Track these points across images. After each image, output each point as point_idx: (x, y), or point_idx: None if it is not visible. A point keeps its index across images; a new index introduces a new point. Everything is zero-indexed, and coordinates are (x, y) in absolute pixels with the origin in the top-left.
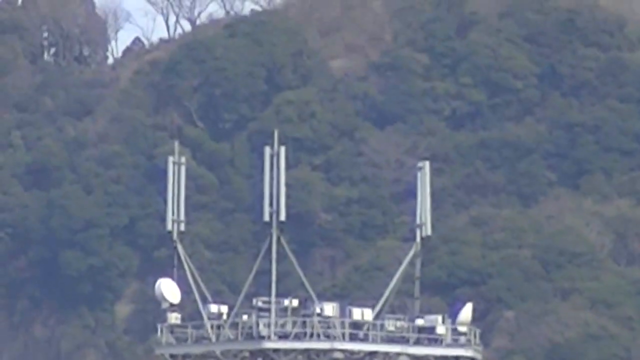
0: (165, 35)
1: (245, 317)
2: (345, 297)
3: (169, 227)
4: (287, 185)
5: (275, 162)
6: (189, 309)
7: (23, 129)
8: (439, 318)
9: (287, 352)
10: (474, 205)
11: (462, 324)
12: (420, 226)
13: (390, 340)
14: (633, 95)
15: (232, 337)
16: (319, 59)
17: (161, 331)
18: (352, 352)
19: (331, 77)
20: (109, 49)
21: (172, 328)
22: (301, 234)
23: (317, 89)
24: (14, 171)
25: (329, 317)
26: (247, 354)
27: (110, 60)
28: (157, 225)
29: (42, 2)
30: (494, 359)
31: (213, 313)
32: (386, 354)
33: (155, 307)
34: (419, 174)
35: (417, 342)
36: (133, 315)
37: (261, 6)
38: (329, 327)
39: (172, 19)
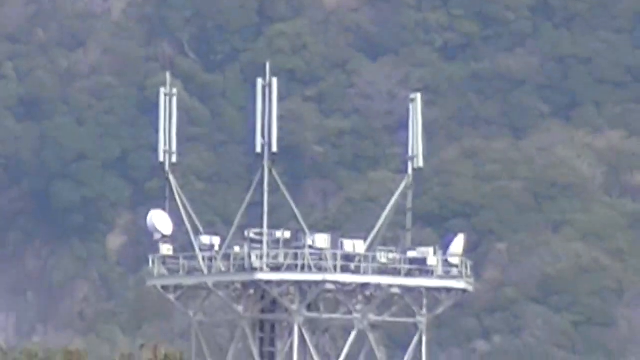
0: None
1: (237, 248)
2: (337, 229)
3: (161, 158)
4: (279, 116)
5: (268, 93)
6: (181, 240)
7: (15, 61)
8: (431, 250)
9: (279, 283)
10: (466, 137)
11: (453, 255)
12: (412, 158)
13: (382, 272)
14: (625, 27)
15: (224, 268)
16: None
17: (153, 263)
18: (343, 284)
19: (323, 8)
20: None
21: (163, 259)
22: (293, 166)
23: (310, 21)
24: (6, 103)
25: (320, 249)
26: (239, 286)
27: None
28: (149, 156)
29: None
30: (485, 291)
31: (205, 244)
32: (378, 285)
33: (147, 239)
34: (411, 106)
35: (409, 274)
36: (125, 246)
37: None
38: (320, 259)
39: None
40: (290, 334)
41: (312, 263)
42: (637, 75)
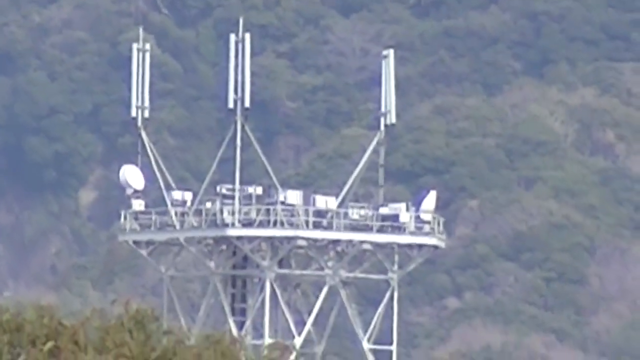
0: None
1: (209, 204)
2: (309, 185)
3: (133, 113)
4: (252, 72)
5: (240, 49)
6: (153, 195)
7: None
8: (403, 206)
9: (250, 239)
10: (438, 94)
11: (425, 212)
12: (384, 114)
13: (354, 228)
14: None
15: (195, 224)
16: None
17: (125, 218)
18: (315, 240)
19: None
20: None
21: (135, 215)
22: (266, 122)
23: None
24: None
25: (292, 205)
26: (210, 241)
27: None
28: (121, 112)
29: None
30: (457, 248)
31: (177, 200)
32: (349, 241)
33: (119, 194)
34: (383, 62)
35: (381, 230)
36: (97, 201)
37: None
38: (292, 215)
39: None
40: (262, 289)
41: (284, 219)
42: (609, 33)
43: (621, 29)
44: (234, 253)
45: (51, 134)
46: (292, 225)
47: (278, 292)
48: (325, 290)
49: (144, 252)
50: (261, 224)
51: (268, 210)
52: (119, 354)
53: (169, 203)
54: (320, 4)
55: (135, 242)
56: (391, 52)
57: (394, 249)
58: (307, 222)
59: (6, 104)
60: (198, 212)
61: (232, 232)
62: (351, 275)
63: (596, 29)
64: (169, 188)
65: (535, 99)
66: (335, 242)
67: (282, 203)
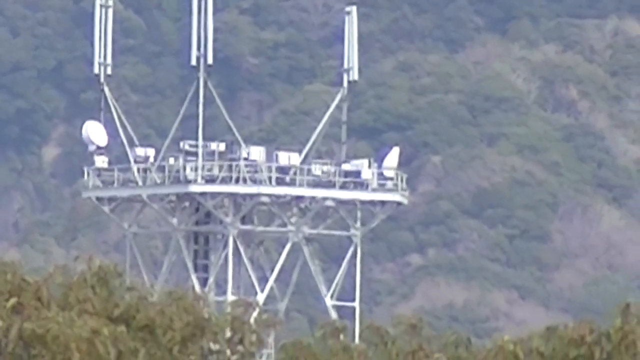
0: None
1: (172, 160)
2: (272, 142)
3: (96, 70)
4: (215, 29)
5: (203, 5)
6: (116, 152)
7: None
8: (365, 163)
9: (213, 195)
10: (401, 51)
11: (388, 169)
12: (347, 70)
13: (317, 184)
14: None
15: (158, 180)
16: None
17: (88, 174)
18: (278, 197)
19: None
20: None
21: (98, 171)
22: (228, 78)
23: None
24: None
25: (255, 161)
26: (173, 198)
27: None
28: (84, 68)
29: None
30: (420, 204)
31: (140, 156)
32: (312, 198)
33: (82, 150)
34: (346, 19)
35: (343, 187)
36: (60, 158)
37: None
38: (255, 172)
39: None
40: (225, 246)
41: (247, 175)
42: None
43: None
44: (197, 209)
45: (14, 90)
46: (255, 181)
47: (241, 248)
48: (288, 246)
49: (106, 208)
50: (224, 180)
51: (231, 166)
52: (82, 310)
53: (131, 160)
54: None
55: (98, 199)
56: (354, 8)
57: (357, 205)
58: (270, 179)
59: None
60: (161, 169)
61: (194, 188)
62: (314, 231)
63: None
64: (131, 145)
65: (498, 55)
66: (298, 198)
67: (245, 159)
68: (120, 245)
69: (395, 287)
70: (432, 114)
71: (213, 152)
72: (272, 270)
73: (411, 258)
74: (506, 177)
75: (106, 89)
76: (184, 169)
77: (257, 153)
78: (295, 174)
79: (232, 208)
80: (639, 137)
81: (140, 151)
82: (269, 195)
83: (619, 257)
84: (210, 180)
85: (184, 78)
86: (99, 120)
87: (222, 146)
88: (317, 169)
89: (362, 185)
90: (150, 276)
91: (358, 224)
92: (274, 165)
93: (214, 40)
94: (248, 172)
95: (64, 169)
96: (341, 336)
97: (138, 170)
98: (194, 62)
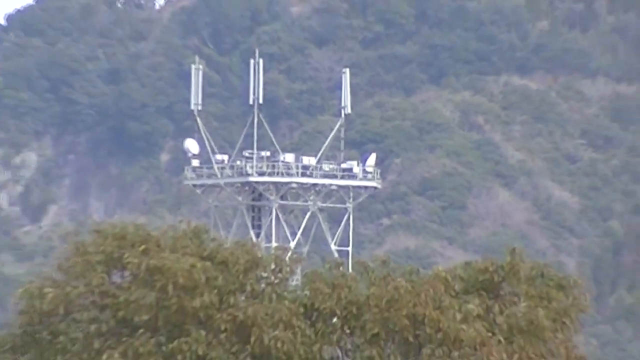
0: None
1: (238, 162)
2: (299, 150)
3: (192, 107)
4: (264, 81)
5: (257, 67)
6: (205, 157)
7: None
8: (355, 163)
9: (263, 183)
10: (376, 95)
11: (368, 166)
12: (344, 107)
13: (326, 176)
14: None
15: (230, 174)
16: None
17: (187, 170)
18: (302, 184)
19: None
20: None
21: (194, 169)
22: (272, 112)
23: None
24: None
25: (288, 162)
26: (239, 185)
27: None
28: (185, 106)
29: None
30: (388, 188)
31: (218, 160)
32: (323, 185)
33: (184, 156)
34: (343, 76)
35: (342, 178)
36: (170, 160)
37: None
38: (289, 169)
39: None
40: (270, 213)
41: (283, 171)
42: (479, 57)
43: (486, 55)
44: (253, 191)
45: (142, 119)
46: (288, 174)
47: (280, 215)
48: (308, 214)
49: (198, 191)
50: (269, 174)
51: (274, 165)
52: (184, 253)
53: (213, 162)
54: (304, 39)
55: (194, 185)
56: (347, 70)
57: (350, 188)
58: (297, 173)
59: (115, 100)
60: (231, 167)
61: (252, 179)
62: (324, 205)
63: (471, 55)
64: (213, 152)
65: (435, 98)
66: (314, 185)
67: (282, 161)
68: (207, 213)
69: (373, 238)
70: (395, 133)
71: (262, 157)
72: (299, 228)
73: (383, 221)
74: (440, 171)
75: (198, 119)
76: (245, 167)
77: (289, 157)
78: (312, 170)
79: (274, 190)
80: (520, 147)
81: (219, 157)
82: (297, 183)
83: (508, 219)
84: (261, 173)
85: (245, 112)
86: (194, 138)
87: (267, 153)
88: (326, 167)
89: (353, 177)
90: (225, 232)
91: (350, 200)
92: (299, 164)
93: (263, 88)
94: (284, 168)
95: (172, 167)
96: (340, 268)
97: (217, 168)
98: (251, 102)
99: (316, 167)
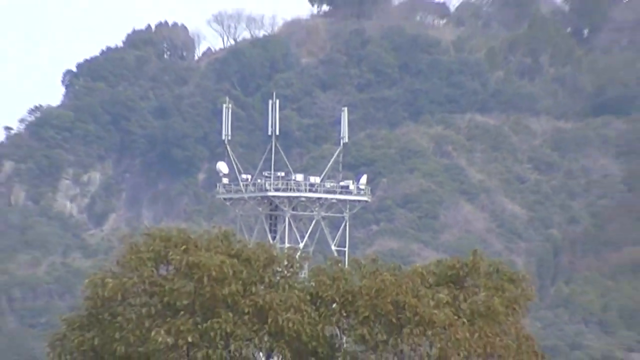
0: None
1: (259, 180)
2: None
3: (223, 137)
4: (280, 117)
5: (274, 106)
6: (232, 176)
7: None
8: (351, 182)
9: (279, 197)
10: (367, 129)
11: (361, 184)
12: (342, 137)
13: (328, 191)
14: None
15: (252, 190)
16: None
17: (219, 187)
18: (309, 198)
19: None
20: None
21: (224, 185)
22: (286, 142)
23: None
24: None
25: (299, 181)
26: (259, 198)
27: None
28: (217, 136)
29: (164, 31)
30: (376, 201)
31: (244, 178)
32: (325, 198)
33: (216, 175)
34: (342, 113)
35: (341, 193)
36: (206, 179)
37: None
38: (299, 186)
39: None
40: (283, 221)
41: (294, 187)
42: (448, 99)
43: (454, 98)
44: (271, 203)
45: (184, 146)
46: (298, 190)
47: (292, 222)
48: (314, 222)
49: (228, 203)
50: (284, 190)
51: (287, 183)
52: (216, 252)
53: (239, 180)
54: (311, 84)
55: (224, 198)
56: (346, 109)
57: (347, 201)
58: (305, 189)
59: (162, 131)
60: (254, 184)
61: (270, 194)
62: (327, 214)
63: (442, 98)
64: (239, 173)
65: (414, 132)
66: (319, 198)
67: (294, 180)
68: (234, 220)
69: (364, 241)
70: (382, 158)
71: (278, 177)
72: (306, 233)
73: (372, 227)
74: (417, 189)
75: (227, 146)
76: (265, 184)
77: (299, 177)
78: (317, 186)
79: (287, 203)
80: (480, 170)
81: (244, 176)
82: (305, 197)
83: (471, 226)
84: (277, 189)
85: (264, 141)
86: (225, 161)
87: (282, 173)
88: (327, 185)
89: (349, 192)
90: (248, 235)
91: (347, 211)
92: (307, 182)
93: (279, 123)
94: (295, 185)
95: (207, 184)
96: (339, 264)
97: (243, 184)
98: (269, 133)
99: (320, 185)
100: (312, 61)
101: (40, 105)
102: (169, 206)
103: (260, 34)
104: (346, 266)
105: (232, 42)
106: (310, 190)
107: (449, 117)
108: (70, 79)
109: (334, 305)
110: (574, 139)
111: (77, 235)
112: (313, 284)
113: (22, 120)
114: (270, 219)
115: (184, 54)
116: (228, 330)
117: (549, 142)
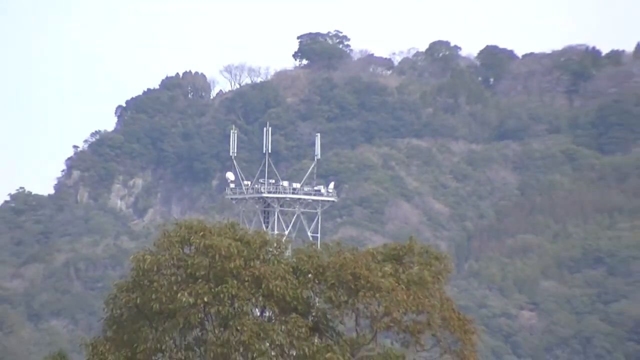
0: None
1: (257, 185)
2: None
3: (231, 153)
4: (272, 141)
5: (267, 133)
6: (237, 182)
7: None
8: (323, 187)
9: (270, 197)
10: (335, 149)
11: (330, 189)
12: (316, 155)
13: (305, 194)
14: None
15: (251, 192)
16: None
17: (227, 190)
18: (292, 198)
19: None
20: None
21: (231, 189)
22: (276, 159)
23: None
24: None
25: (285, 186)
26: (256, 198)
27: None
28: (227, 154)
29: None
30: (342, 201)
31: (245, 184)
32: (304, 199)
33: (225, 182)
34: (316, 138)
35: (315, 195)
36: (217, 185)
37: None
38: (285, 189)
39: None
40: (274, 215)
41: (281, 191)
42: (397, 132)
43: (397, 127)
44: (265, 202)
45: (202, 161)
46: (284, 193)
47: (280, 216)
48: (295, 216)
49: (234, 202)
50: (274, 192)
51: (276, 187)
52: (225, 236)
53: (242, 185)
54: (295, 117)
55: (231, 198)
56: (319, 135)
57: (319, 201)
58: (290, 192)
59: (187, 150)
60: (252, 189)
61: (264, 195)
62: (305, 210)
63: (389, 127)
64: (242, 180)
65: (368, 151)
66: (299, 199)
67: (281, 185)
68: (238, 214)
69: (332, 229)
70: (345, 170)
71: (270, 183)
72: (290, 224)
73: (337, 220)
74: (370, 193)
75: (234, 161)
76: (260, 188)
77: (285, 183)
78: (298, 190)
79: (276, 202)
80: (415, 179)
81: (245, 182)
82: (290, 197)
83: (408, 220)
84: (269, 192)
85: (260, 157)
86: (232, 172)
87: (273, 181)
88: (306, 189)
89: (321, 195)
90: (248, 225)
91: (319, 207)
92: (291, 187)
93: (271, 144)
94: (282, 189)
95: (219, 188)
96: (313, 246)
97: (244, 189)
98: (264, 151)
99: (300, 189)
100: (295, 100)
101: (99, 130)
102: (191, 204)
103: (258, 80)
104: (318, 247)
105: (238, 86)
106: (293, 193)
107: (393, 141)
108: (121, 111)
109: (310, 275)
110: (482, 157)
111: (125, 224)
112: (295, 260)
113: (85, 141)
114: (264, 214)
115: (203, 94)
116: (233, 293)
117: (465, 160)
